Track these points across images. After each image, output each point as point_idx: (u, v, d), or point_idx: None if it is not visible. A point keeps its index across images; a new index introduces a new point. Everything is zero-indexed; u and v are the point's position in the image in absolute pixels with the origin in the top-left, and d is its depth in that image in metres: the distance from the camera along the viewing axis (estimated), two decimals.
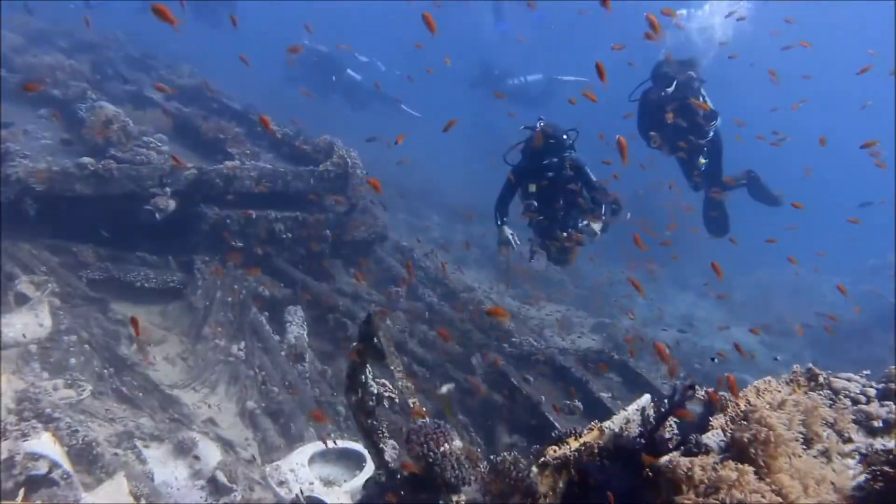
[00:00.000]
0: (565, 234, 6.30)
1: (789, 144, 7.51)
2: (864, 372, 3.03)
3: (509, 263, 7.30)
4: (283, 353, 6.48)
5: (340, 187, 8.15)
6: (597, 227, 6.37)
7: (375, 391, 3.16)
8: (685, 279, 16.84)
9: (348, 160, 8.10)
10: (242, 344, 6.44)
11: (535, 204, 6.38)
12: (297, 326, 6.94)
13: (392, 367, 3.14)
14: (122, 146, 6.88)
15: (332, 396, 6.23)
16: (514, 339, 7.28)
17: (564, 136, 6.34)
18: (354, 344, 3.14)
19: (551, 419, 5.75)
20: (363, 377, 3.14)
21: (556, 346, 7.73)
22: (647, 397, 3.01)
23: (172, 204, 6.75)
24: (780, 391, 2.74)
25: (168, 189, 6.78)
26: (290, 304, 7.31)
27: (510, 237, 6.51)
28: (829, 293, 15.35)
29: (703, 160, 6.93)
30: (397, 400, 3.16)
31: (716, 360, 10.88)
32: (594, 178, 6.43)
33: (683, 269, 15.32)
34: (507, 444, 5.90)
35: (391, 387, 3.17)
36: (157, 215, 6.61)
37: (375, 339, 3.10)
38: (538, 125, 6.31)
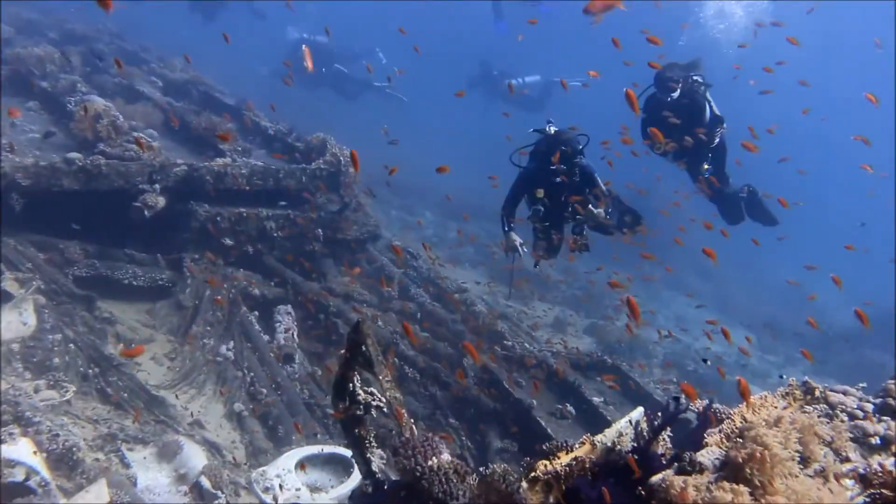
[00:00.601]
0: (572, 240, 6.16)
1: (789, 146, 7.40)
2: (861, 385, 2.98)
3: (513, 271, 7.10)
4: (272, 353, 6.39)
5: (333, 185, 8.06)
6: (599, 211, 6.13)
7: (363, 400, 3.08)
8: (679, 280, 16.79)
9: (341, 158, 8.02)
10: (231, 344, 6.35)
11: (542, 210, 6.18)
12: (286, 326, 6.85)
13: (380, 377, 3.05)
14: (112, 141, 6.76)
15: (321, 399, 6.15)
16: (507, 342, 7.21)
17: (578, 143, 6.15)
18: (342, 352, 3.06)
19: (543, 424, 5.70)
20: (351, 385, 3.07)
21: (548, 348, 7.66)
22: (640, 410, 2.95)
23: (162, 201, 6.64)
24: (776, 406, 2.67)
25: (157, 186, 6.68)
26: (281, 303, 7.22)
27: (518, 245, 6.19)
28: (824, 294, 15.33)
29: (706, 166, 6.79)
30: (385, 410, 3.08)
31: (709, 363, 10.84)
32: (604, 185, 6.23)
33: (678, 272, 15.23)
34: (499, 449, 5.84)
35: (379, 396, 3.09)
36: (146, 212, 6.50)
37: (363, 347, 3.02)
38: (547, 128, 6.14)
